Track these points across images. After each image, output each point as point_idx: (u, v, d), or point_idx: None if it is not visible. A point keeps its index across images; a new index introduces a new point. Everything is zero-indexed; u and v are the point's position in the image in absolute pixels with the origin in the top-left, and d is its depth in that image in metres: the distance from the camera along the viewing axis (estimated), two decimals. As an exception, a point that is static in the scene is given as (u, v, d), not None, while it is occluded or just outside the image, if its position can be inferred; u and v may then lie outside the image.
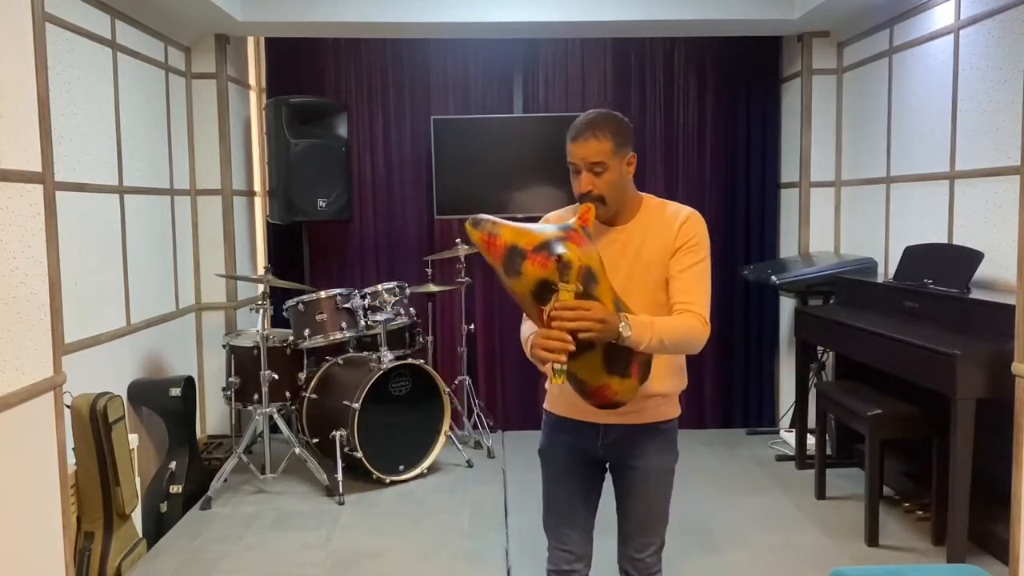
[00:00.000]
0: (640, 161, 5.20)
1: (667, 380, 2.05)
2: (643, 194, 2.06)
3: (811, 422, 4.36)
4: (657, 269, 1.95)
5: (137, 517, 3.41)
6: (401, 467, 4.24)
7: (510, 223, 1.81)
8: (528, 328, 1.92)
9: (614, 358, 1.79)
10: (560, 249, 1.71)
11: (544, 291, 1.73)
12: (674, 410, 2.11)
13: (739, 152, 5.23)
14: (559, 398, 2.12)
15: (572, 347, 1.68)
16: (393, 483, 4.19)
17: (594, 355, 1.77)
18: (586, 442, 2.08)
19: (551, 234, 1.76)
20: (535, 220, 2.01)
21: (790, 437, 4.71)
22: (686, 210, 2.00)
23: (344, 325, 4.25)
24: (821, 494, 3.96)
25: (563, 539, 2.11)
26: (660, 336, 1.80)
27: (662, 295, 1.96)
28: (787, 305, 5.12)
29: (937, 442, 3.33)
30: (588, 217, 1.88)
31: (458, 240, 4.64)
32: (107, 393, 3.21)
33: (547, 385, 2.18)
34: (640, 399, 2.00)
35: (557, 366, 1.69)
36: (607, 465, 2.14)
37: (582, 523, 2.12)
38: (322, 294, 4.25)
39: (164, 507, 3.87)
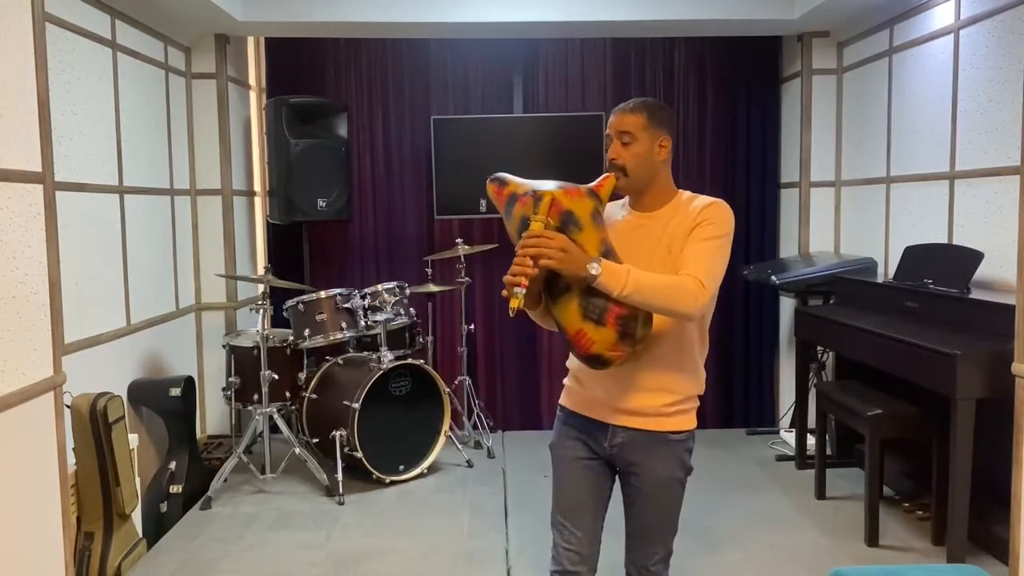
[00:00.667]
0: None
1: (678, 377, 2.00)
2: (681, 189, 2.07)
3: (811, 422, 4.36)
4: (677, 249, 1.95)
5: (137, 517, 3.41)
6: (401, 467, 4.24)
7: (521, 179, 1.98)
8: None
9: (589, 303, 1.83)
10: (543, 188, 1.87)
11: (525, 228, 1.87)
12: (687, 422, 2.04)
13: (739, 152, 5.24)
14: (572, 393, 2.12)
15: (532, 271, 1.78)
16: (393, 483, 4.19)
17: (571, 297, 1.84)
18: (595, 441, 2.07)
19: (548, 183, 1.92)
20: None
21: (790, 437, 4.71)
22: (712, 199, 2.00)
23: (344, 325, 4.25)
24: (821, 494, 3.96)
25: (569, 538, 2.08)
26: (636, 284, 1.80)
27: None
28: (787, 305, 5.12)
29: (937, 442, 3.33)
30: (604, 184, 1.97)
31: (458, 240, 4.64)
32: (107, 393, 3.21)
33: (564, 380, 2.17)
34: (645, 395, 1.98)
35: (516, 289, 1.77)
36: (616, 468, 2.12)
37: (589, 523, 2.09)
38: (322, 294, 4.25)
39: (164, 507, 3.87)
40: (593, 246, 1.85)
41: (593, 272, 1.79)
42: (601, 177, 1.98)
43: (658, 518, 2.08)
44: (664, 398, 2.00)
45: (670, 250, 1.95)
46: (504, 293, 1.80)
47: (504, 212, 1.96)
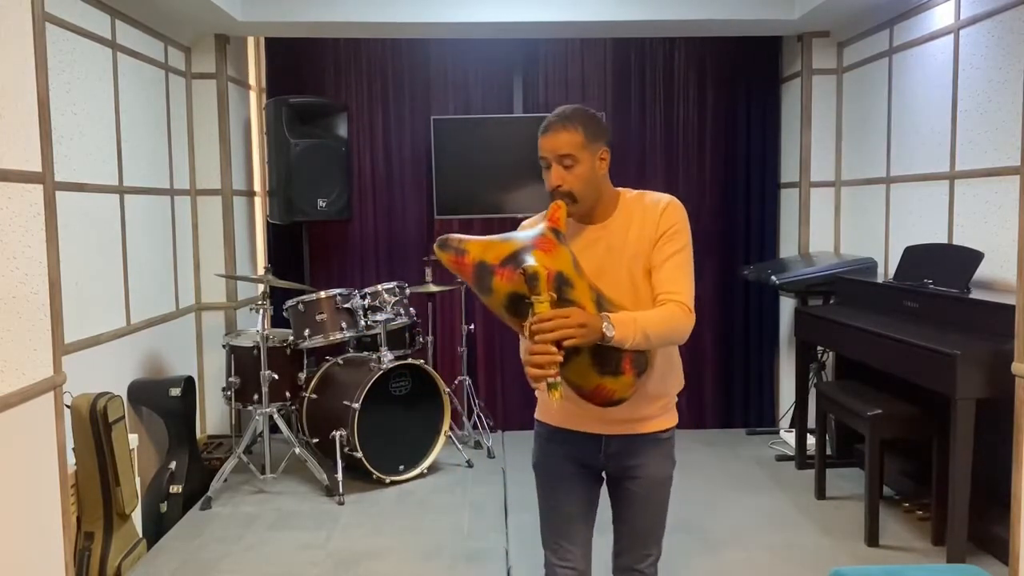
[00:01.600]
0: (640, 161, 5.24)
1: (666, 380, 2.01)
2: (620, 188, 2.00)
3: (811, 422, 4.36)
4: (643, 261, 1.91)
5: (137, 517, 3.41)
6: (401, 467, 4.24)
7: (478, 238, 1.80)
8: (525, 344, 1.80)
9: (603, 359, 1.76)
10: (527, 260, 1.69)
11: (517, 305, 1.71)
12: (673, 419, 2.06)
13: (739, 152, 5.23)
14: (554, 408, 2.03)
15: (559, 358, 1.65)
16: (393, 483, 4.19)
17: (582, 359, 1.74)
18: (587, 453, 2.03)
19: (518, 244, 1.75)
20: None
21: (790, 437, 4.71)
22: (665, 198, 1.95)
23: (344, 325, 4.25)
24: (821, 494, 3.96)
25: (564, 555, 2.06)
26: (644, 330, 1.77)
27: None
28: (787, 305, 5.12)
29: (937, 442, 3.33)
30: (559, 216, 1.84)
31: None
32: (107, 393, 3.21)
33: (536, 393, 2.10)
34: (643, 404, 1.96)
35: (551, 380, 1.65)
36: (604, 475, 2.09)
37: (583, 537, 2.08)
38: (322, 294, 4.25)
39: (164, 507, 3.87)
40: (587, 298, 1.75)
41: (609, 334, 1.71)
42: (551, 209, 1.85)
43: (654, 518, 2.06)
44: (656, 402, 1.99)
45: (636, 260, 1.91)
46: (540, 386, 1.69)
47: (474, 284, 1.77)
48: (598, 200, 1.94)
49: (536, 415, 2.11)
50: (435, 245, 1.82)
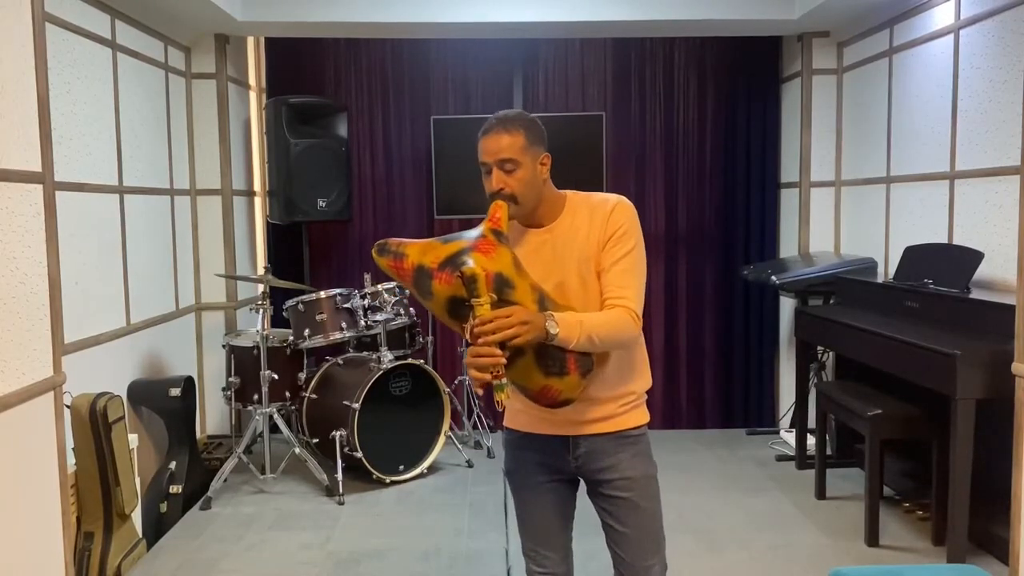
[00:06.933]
0: (640, 161, 5.24)
1: (625, 377, 1.95)
2: (566, 191, 1.97)
3: (811, 422, 4.36)
4: (593, 264, 1.89)
5: (137, 517, 3.41)
6: (401, 467, 4.24)
7: (417, 241, 1.79)
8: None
9: (548, 359, 1.74)
10: (465, 262, 1.68)
11: (458, 308, 1.71)
12: (642, 416, 1.99)
13: (739, 152, 5.23)
14: (521, 414, 2.02)
15: (503, 360, 1.65)
16: (393, 483, 4.19)
17: (526, 360, 1.73)
18: (557, 457, 1.98)
19: (457, 246, 1.74)
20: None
21: (790, 437, 4.71)
22: (613, 198, 1.92)
23: (344, 325, 4.25)
24: (821, 494, 3.96)
25: (544, 562, 2.03)
26: (589, 333, 1.75)
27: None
28: (787, 305, 5.12)
29: (937, 442, 3.33)
30: (500, 216, 1.81)
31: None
32: (107, 393, 3.21)
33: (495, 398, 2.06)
34: (606, 402, 1.92)
35: (496, 382, 1.65)
36: (580, 481, 2.05)
37: (561, 542, 2.05)
38: (322, 294, 4.25)
39: (164, 507, 3.87)
40: (529, 298, 1.73)
41: (553, 331, 1.70)
42: (492, 209, 1.83)
43: (645, 523, 1.96)
44: (619, 400, 1.95)
45: (586, 263, 1.89)
46: (479, 389, 1.69)
47: (415, 288, 1.76)
48: (539, 203, 1.92)
49: (504, 422, 2.08)
50: (373, 250, 1.80)
